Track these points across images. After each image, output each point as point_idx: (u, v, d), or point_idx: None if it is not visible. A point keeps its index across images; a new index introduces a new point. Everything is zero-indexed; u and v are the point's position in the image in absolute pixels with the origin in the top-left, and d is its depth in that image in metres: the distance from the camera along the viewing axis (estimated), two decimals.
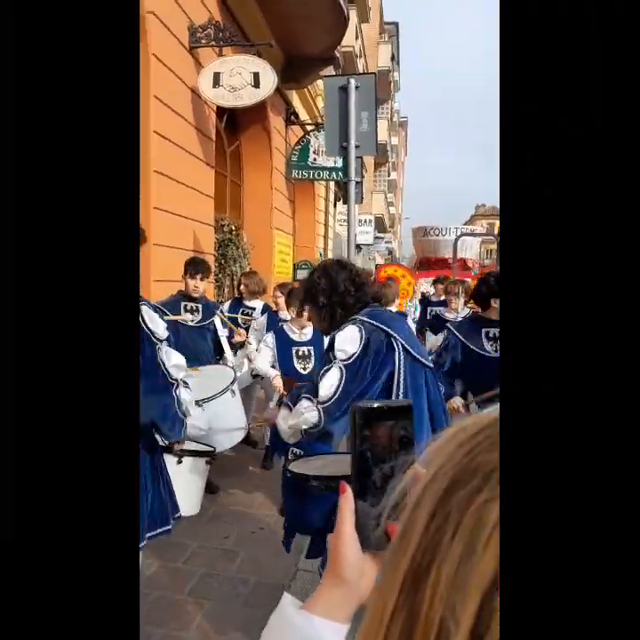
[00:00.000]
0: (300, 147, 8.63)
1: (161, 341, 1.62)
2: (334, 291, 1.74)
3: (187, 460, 2.14)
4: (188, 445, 2.28)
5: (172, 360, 1.63)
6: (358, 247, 20.63)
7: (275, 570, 2.72)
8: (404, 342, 1.64)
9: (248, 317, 4.26)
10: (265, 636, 0.54)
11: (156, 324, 1.60)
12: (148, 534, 1.79)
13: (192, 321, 3.44)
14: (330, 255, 12.14)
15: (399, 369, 1.61)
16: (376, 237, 18.06)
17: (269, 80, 5.29)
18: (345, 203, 4.57)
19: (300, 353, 3.24)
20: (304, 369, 3.23)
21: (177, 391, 1.66)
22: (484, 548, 0.32)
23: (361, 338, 1.61)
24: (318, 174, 8.58)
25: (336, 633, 0.49)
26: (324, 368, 1.65)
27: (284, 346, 3.23)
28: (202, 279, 3.39)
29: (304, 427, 1.61)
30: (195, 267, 3.35)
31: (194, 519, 3.18)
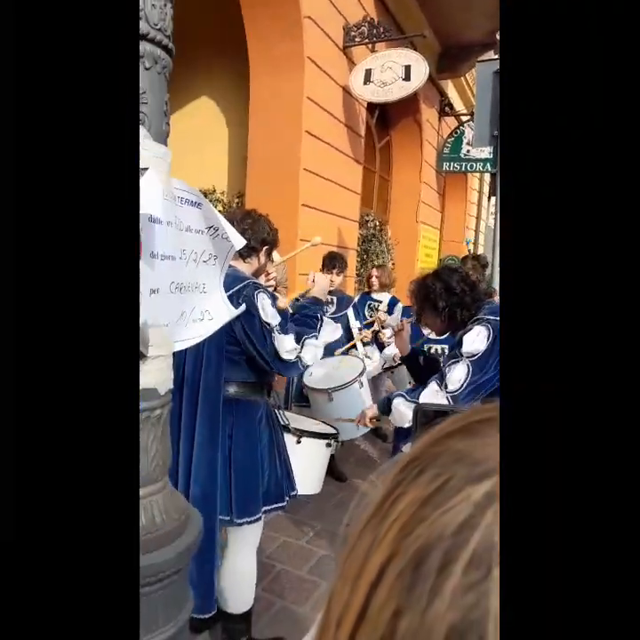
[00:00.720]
0: (452, 138, 8.35)
1: (272, 328, 1.75)
2: (451, 293, 1.85)
3: (306, 441, 2.22)
4: (311, 427, 2.36)
5: (283, 346, 1.75)
6: None
7: None
8: None
9: (375, 312, 4.25)
10: None
11: (266, 313, 1.72)
12: (264, 508, 1.89)
13: (327, 313, 3.56)
14: (480, 250, 11.57)
15: None
16: None
17: (421, 72, 5.20)
18: (494, 196, 4.32)
19: (433, 351, 3.16)
20: None
21: (302, 363, 1.82)
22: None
23: (488, 336, 1.74)
24: (471, 166, 8.22)
25: None
26: (451, 362, 1.79)
27: (416, 341, 3.18)
28: (338, 274, 3.49)
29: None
30: (331, 261, 3.46)
31: (321, 503, 3.33)
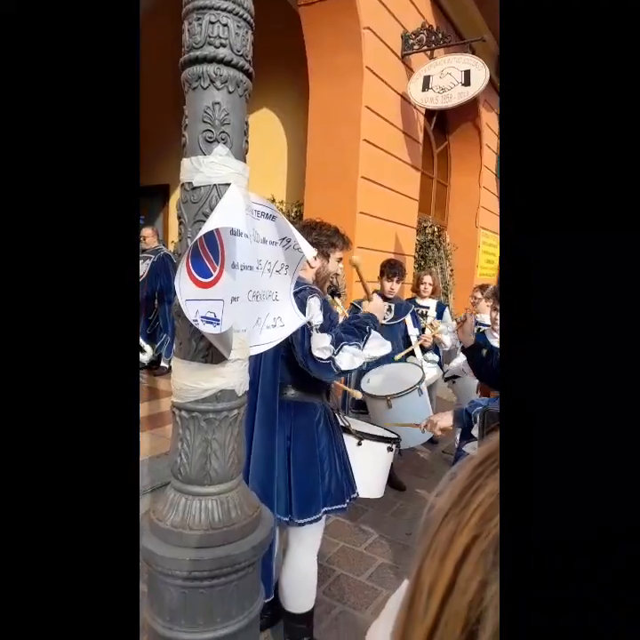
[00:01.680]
0: None
1: (313, 327, 1.77)
2: None
3: (367, 443, 2.23)
4: (371, 430, 2.37)
5: (316, 343, 1.76)
6: None
7: None
8: None
9: (423, 319, 4.20)
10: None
11: (312, 314, 1.76)
12: (324, 509, 1.92)
13: (384, 319, 3.57)
14: None
15: None
16: None
17: (480, 76, 5.13)
18: None
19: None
20: None
21: (334, 365, 1.78)
22: None
23: None
24: None
25: None
26: None
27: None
28: (397, 281, 3.50)
29: None
30: (391, 269, 3.47)
31: (379, 511, 3.34)
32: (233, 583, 1.12)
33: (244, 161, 1.13)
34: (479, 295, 3.88)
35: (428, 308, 4.22)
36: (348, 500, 2.01)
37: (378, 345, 1.92)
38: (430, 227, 6.89)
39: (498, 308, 2.95)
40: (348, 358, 1.80)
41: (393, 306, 3.62)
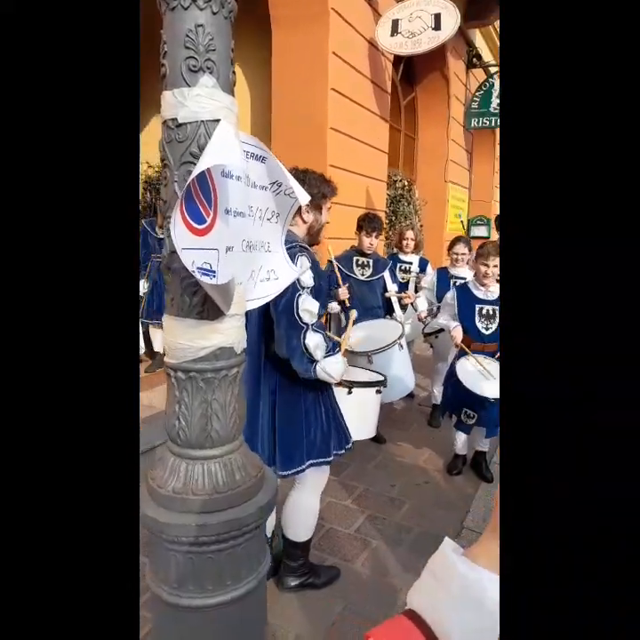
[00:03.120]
0: (481, 92, 8.02)
1: (303, 288, 1.71)
2: None
3: (357, 391, 2.29)
4: (359, 376, 2.45)
5: (304, 305, 1.69)
6: None
7: (440, 523, 2.75)
8: None
9: (406, 274, 4.17)
10: (425, 577, 0.55)
11: (305, 273, 1.69)
12: (308, 462, 1.96)
13: (363, 275, 3.52)
14: None
15: None
16: None
17: (452, 20, 4.96)
18: None
19: (484, 311, 3.10)
20: (486, 329, 3.08)
21: (304, 334, 1.73)
22: None
23: None
24: None
25: (496, 584, 0.48)
26: None
27: (467, 303, 3.12)
28: (377, 237, 3.42)
29: None
30: (371, 223, 3.38)
31: (362, 464, 3.38)
32: (241, 546, 1.08)
33: (233, 94, 1.02)
34: (461, 250, 3.85)
35: (411, 263, 4.18)
36: (334, 453, 2.04)
37: (334, 366, 1.87)
38: (400, 180, 6.79)
39: (488, 263, 2.97)
40: (317, 341, 1.77)
41: (371, 262, 3.56)
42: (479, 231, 9.46)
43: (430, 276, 4.05)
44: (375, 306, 3.50)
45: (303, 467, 1.96)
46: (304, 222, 1.96)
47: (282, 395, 1.92)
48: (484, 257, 3.01)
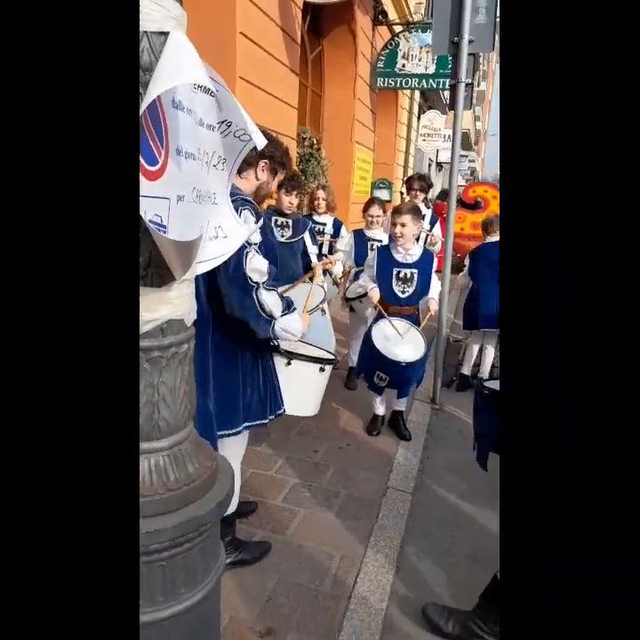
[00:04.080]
0: (387, 51, 7.95)
1: (250, 245, 1.57)
2: None
3: (297, 364, 2.19)
4: (308, 352, 2.34)
5: (253, 264, 1.57)
6: (439, 166, 19.43)
7: (365, 485, 2.78)
8: None
9: (320, 235, 4.07)
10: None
11: (250, 229, 1.56)
12: (245, 424, 1.89)
13: (283, 237, 3.36)
14: (410, 173, 11.52)
15: None
16: (460, 156, 16.85)
17: None
18: (452, 109, 4.14)
19: (402, 275, 3.10)
20: (402, 292, 3.09)
21: (256, 293, 1.62)
22: None
23: None
24: (406, 82, 7.93)
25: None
26: None
27: (386, 265, 3.10)
28: (296, 195, 3.26)
29: None
30: (290, 181, 3.19)
31: (284, 432, 3.30)
32: (197, 546, 0.94)
33: (181, 4, 0.81)
34: (376, 212, 3.81)
35: (324, 224, 4.06)
36: (271, 417, 1.99)
37: (293, 323, 1.80)
38: (309, 139, 6.59)
39: (396, 221, 2.97)
40: (274, 301, 1.69)
41: (291, 222, 3.40)
42: (381, 194, 9.56)
43: (347, 239, 3.99)
44: (296, 270, 3.36)
45: (239, 428, 1.90)
46: (257, 179, 1.81)
47: (217, 354, 1.79)
48: (395, 216, 3.03)
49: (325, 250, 4.07)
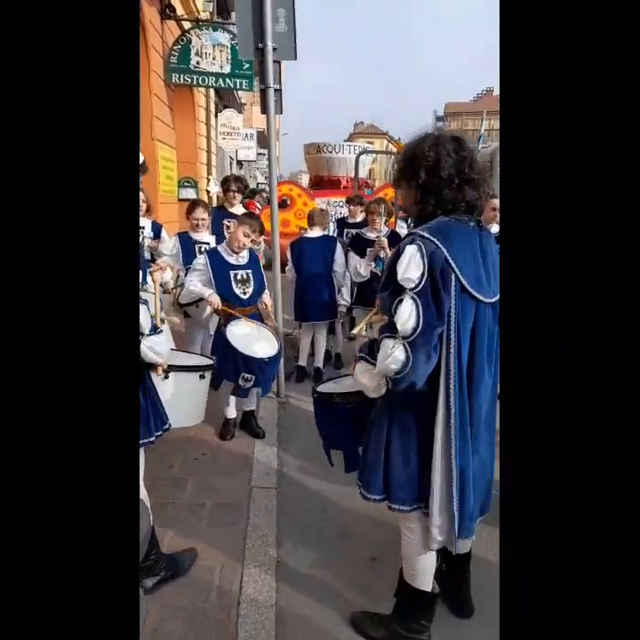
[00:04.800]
0: (179, 47, 7.74)
1: None
2: (436, 173, 1.46)
3: (176, 376, 2.15)
4: (184, 361, 2.31)
5: None
6: (240, 163, 19.63)
7: (228, 491, 2.76)
8: (458, 272, 1.42)
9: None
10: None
11: None
12: None
13: None
14: (214, 172, 11.45)
15: (454, 301, 1.44)
16: (258, 154, 17.29)
17: None
18: (264, 113, 4.23)
19: (239, 277, 3.12)
20: (244, 293, 3.13)
21: None
22: None
23: (422, 258, 1.40)
24: (203, 80, 7.84)
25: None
26: (395, 301, 1.44)
27: (222, 270, 3.08)
28: None
29: (393, 367, 1.43)
30: None
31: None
32: None
33: None
34: (201, 215, 3.76)
35: (142, 227, 3.83)
36: (157, 434, 1.95)
37: (162, 345, 1.84)
38: None
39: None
40: (144, 318, 1.68)
41: None
42: (187, 193, 9.35)
43: (171, 242, 3.84)
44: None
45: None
46: None
47: None
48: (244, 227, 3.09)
49: (148, 255, 3.87)
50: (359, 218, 4.54)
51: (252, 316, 3.17)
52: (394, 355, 1.41)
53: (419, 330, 1.39)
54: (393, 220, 5.22)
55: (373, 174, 20.63)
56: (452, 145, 1.49)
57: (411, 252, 1.41)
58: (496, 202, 4.37)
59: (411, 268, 1.39)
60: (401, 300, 1.41)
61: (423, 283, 1.39)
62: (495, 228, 4.23)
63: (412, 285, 1.39)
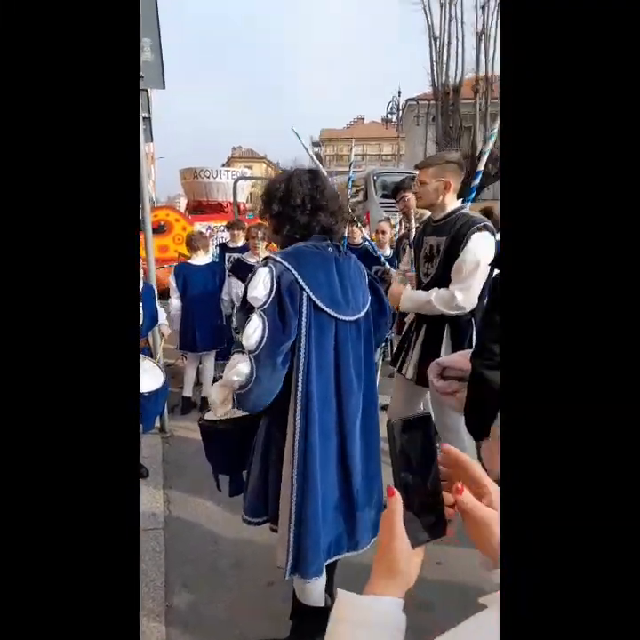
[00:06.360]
0: None
1: None
2: (288, 202, 1.61)
3: None
4: None
5: None
6: None
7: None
8: (310, 292, 1.54)
9: None
10: (334, 628, 0.58)
11: None
12: None
13: None
14: None
15: (305, 320, 1.55)
16: None
17: None
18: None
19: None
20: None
21: None
22: None
23: (271, 279, 1.51)
24: None
25: (398, 605, 0.57)
26: (246, 319, 1.54)
27: None
28: None
29: (236, 378, 1.50)
30: None
31: None
32: None
33: None
34: None
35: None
36: None
37: None
38: None
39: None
40: None
41: None
42: None
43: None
44: None
45: None
46: None
47: None
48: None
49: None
50: (240, 242, 4.56)
51: (141, 349, 3.04)
52: (237, 367, 1.50)
53: (262, 344, 1.48)
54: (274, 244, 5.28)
55: (253, 198, 20.79)
56: (305, 176, 1.65)
57: (262, 273, 1.54)
58: (383, 225, 4.57)
59: (259, 287, 1.51)
60: (250, 318, 1.52)
61: (270, 301, 1.50)
62: (388, 252, 4.39)
63: (260, 303, 1.50)
